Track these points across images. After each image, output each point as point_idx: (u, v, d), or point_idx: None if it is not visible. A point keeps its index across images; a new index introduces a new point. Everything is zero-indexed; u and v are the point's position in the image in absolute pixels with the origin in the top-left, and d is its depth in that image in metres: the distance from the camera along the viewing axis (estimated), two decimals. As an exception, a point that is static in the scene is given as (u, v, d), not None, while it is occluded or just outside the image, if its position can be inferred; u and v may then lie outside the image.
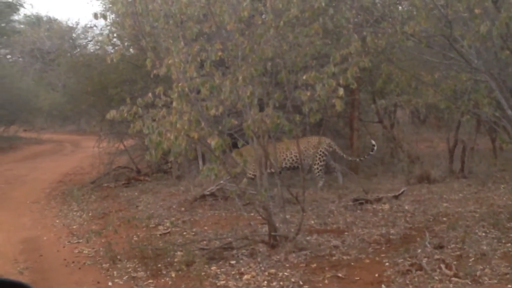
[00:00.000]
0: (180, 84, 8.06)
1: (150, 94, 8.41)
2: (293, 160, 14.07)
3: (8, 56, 45.36)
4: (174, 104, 8.13)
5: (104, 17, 9.94)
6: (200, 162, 15.26)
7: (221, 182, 12.46)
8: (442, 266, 7.61)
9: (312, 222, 10.74)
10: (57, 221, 12.84)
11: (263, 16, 9.08)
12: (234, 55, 8.66)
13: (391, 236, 9.51)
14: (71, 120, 39.11)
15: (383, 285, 7.40)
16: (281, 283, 7.74)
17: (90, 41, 46.33)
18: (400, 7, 10.86)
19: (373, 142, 14.83)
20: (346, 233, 9.89)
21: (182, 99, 8.09)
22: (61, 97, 32.06)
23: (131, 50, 17.90)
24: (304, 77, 8.10)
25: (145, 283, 8.26)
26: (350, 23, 9.12)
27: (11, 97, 31.70)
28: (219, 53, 8.43)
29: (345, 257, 8.60)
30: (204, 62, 8.35)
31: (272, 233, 9.17)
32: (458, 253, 8.22)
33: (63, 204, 14.68)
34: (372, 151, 14.83)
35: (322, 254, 8.80)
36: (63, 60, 28.41)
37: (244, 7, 8.46)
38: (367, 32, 9.19)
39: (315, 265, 8.35)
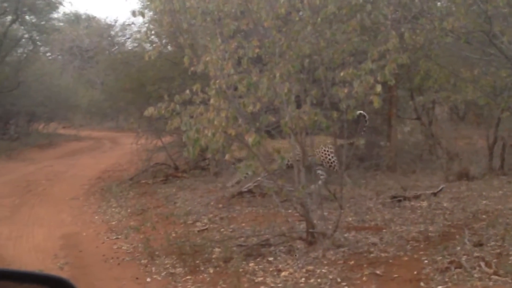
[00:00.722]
0: (217, 81, 8.10)
1: (187, 91, 8.45)
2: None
3: (48, 54, 45.80)
4: (212, 101, 8.16)
5: (142, 14, 9.98)
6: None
7: (259, 179, 12.46)
8: (482, 264, 7.53)
9: (350, 219, 10.71)
10: (96, 217, 12.97)
11: (300, 13, 9.08)
12: (271, 52, 8.66)
13: (429, 234, 9.43)
14: (110, 117, 39.42)
15: (421, 283, 7.35)
16: (319, 280, 7.73)
17: (128, 38, 46.62)
18: (438, 3, 10.75)
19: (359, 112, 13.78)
20: (384, 230, 9.84)
21: (219, 96, 8.13)
22: (99, 94, 32.36)
23: (168, 47, 17.96)
24: (341, 74, 8.07)
25: (183, 279, 8.32)
26: (388, 20, 9.07)
27: (50, 94, 32.07)
28: (256, 50, 8.45)
29: (383, 255, 8.56)
30: (242, 59, 8.39)
31: (310, 230, 9.16)
32: (498, 250, 8.12)
33: (102, 201, 14.81)
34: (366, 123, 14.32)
35: (360, 251, 8.76)
36: (102, 58, 28.65)
37: (281, 4, 8.47)
38: (405, 28, 9.13)
39: (353, 262, 8.32)
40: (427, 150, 17.56)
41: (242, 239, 9.74)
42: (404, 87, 17.07)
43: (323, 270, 8.04)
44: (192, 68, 8.52)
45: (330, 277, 7.79)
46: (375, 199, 12.13)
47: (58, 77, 36.22)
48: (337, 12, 8.58)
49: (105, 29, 50.23)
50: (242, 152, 9.08)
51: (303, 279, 7.81)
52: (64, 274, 8.65)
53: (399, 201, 11.66)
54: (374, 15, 8.93)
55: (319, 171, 13.89)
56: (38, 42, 33.07)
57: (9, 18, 27.82)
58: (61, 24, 44.88)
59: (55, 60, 46.58)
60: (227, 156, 12.54)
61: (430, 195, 11.96)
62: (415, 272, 7.71)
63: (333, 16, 8.67)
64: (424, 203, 11.47)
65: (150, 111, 8.63)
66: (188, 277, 8.36)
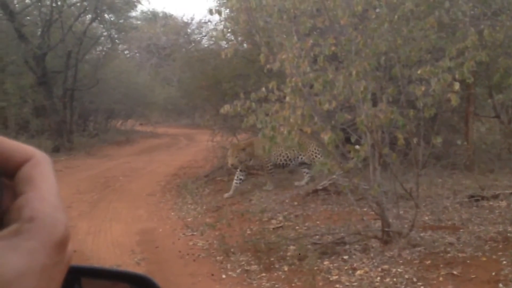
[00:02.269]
0: (293, 79, 8.11)
1: (263, 89, 8.50)
2: (287, 157, 14.57)
3: (126, 52, 46.59)
4: (287, 98, 8.19)
5: (219, 12, 10.09)
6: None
7: (334, 176, 12.41)
8: None
9: (426, 218, 10.57)
10: (172, 213, 13.12)
11: (377, 10, 9.01)
12: (347, 50, 8.62)
13: (508, 234, 9.24)
14: (186, 114, 39.94)
15: (500, 284, 7.22)
16: (395, 279, 7.68)
17: (205, 36, 47.11)
18: (519, -1, 10.55)
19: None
20: (461, 230, 9.69)
21: (295, 94, 8.15)
22: (176, 91, 32.74)
23: (244, 45, 18.06)
24: (418, 72, 7.99)
25: (258, 276, 8.36)
26: (467, 16, 8.93)
27: (128, 92, 32.60)
28: (333, 48, 8.43)
29: (460, 255, 8.43)
30: (317, 57, 8.38)
31: (385, 229, 9.10)
32: None
33: (178, 197, 14.97)
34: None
35: (437, 251, 8.65)
36: (178, 55, 28.95)
37: (358, 2, 8.42)
38: (484, 25, 8.98)
39: (429, 262, 8.22)
40: (506, 148, 17.20)
41: (317, 237, 9.74)
42: (483, 84, 16.75)
43: (398, 270, 7.98)
44: (268, 66, 8.56)
45: (406, 276, 7.73)
46: (452, 198, 11.94)
47: (135, 74, 36.80)
48: (414, 9, 8.50)
49: (182, 27, 50.82)
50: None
51: (378, 278, 7.77)
52: (140, 270, 8.79)
53: (477, 200, 11.46)
54: (453, 11, 8.81)
55: (305, 169, 14.28)
56: (116, 40, 33.65)
57: (89, 16, 28.39)
58: (139, 22, 45.58)
59: (133, 58, 47.35)
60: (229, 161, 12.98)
61: (509, 194, 11.71)
62: (493, 273, 7.58)
63: (411, 13, 8.59)
64: (503, 203, 11.24)
65: (226, 108, 8.72)
66: (263, 274, 8.41)
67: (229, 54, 9.28)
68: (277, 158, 14.40)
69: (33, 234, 0.58)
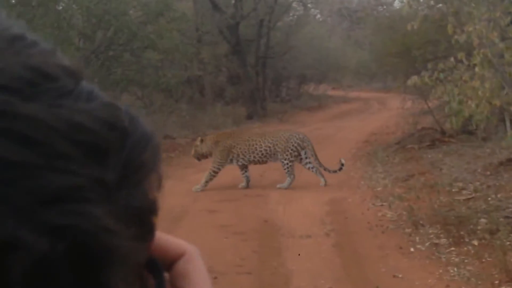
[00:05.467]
0: (481, 51, 7.89)
1: (452, 59, 8.34)
2: (262, 154, 13.47)
3: (317, 16, 46.90)
4: (477, 69, 7.99)
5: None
6: (508, 124, 14.66)
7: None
8: None
9: None
10: (362, 182, 13.11)
11: None
12: (541, 16, 8.28)
13: None
14: (378, 77, 39.72)
15: None
16: None
17: (395, -1, 46.51)
18: None
19: (342, 161, 13.39)
20: None
21: (484, 65, 7.93)
22: (367, 55, 32.66)
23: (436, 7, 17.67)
24: None
25: (447, 250, 8.24)
26: None
27: (320, 57, 32.92)
28: (524, 16, 8.13)
29: None
30: (508, 26, 8.09)
31: None
32: None
33: (368, 165, 14.96)
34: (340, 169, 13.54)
35: None
36: (368, 20, 28.86)
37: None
38: None
39: None
40: None
41: (510, 210, 9.44)
42: None
43: None
44: (455, 37, 8.38)
45: None
46: None
47: (327, 39, 37.04)
48: None
49: (374, -11, 50.47)
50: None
51: None
52: (330, 241, 8.95)
53: None
54: None
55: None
56: (308, 5, 33.99)
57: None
58: (330, -14, 45.76)
59: (324, 23, 47.57)
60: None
61: None
62: None
63: None
64: None
65: (413, 80, 8.65)
66: (452, 248, 8.27)
67: (415, 26, 9.19)
68: (250, 155, 13.44)
69: None
